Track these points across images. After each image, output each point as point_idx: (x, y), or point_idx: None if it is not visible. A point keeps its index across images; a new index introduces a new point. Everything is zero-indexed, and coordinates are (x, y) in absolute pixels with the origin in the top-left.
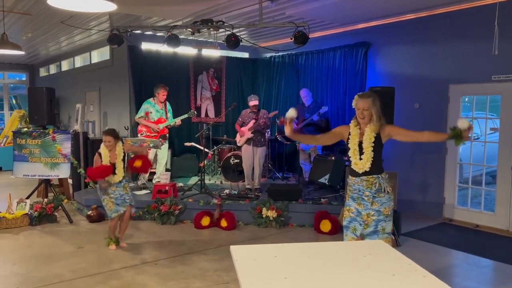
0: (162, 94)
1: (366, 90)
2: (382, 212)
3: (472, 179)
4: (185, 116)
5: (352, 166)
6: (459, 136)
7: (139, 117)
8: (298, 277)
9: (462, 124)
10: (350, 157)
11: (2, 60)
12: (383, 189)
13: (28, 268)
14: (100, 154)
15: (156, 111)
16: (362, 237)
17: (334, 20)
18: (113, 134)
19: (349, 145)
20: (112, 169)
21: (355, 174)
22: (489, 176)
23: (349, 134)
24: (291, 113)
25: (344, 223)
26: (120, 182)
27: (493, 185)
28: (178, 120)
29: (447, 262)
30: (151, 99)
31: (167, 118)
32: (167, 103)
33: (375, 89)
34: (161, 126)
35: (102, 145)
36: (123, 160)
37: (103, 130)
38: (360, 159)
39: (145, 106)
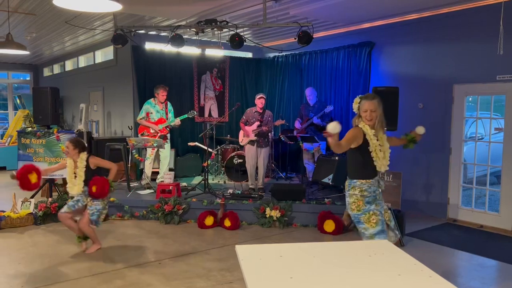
0: (161, 94)
1: (370, 90)
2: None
3: (476, 179)
4: (185, 116)
5: (379, 168)
6: (414, 140)
7: (140, 118)
8: (303, 277)
9: (420, 130)
10: (373, 158)
11: (6, 60)
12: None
13: (33, 267)
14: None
15: (157, 111)
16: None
17: (338, 20)
18: (74, 142)
19: (371, 148)
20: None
21: (373, 175)
22: (494, 176)
23: (364, 136)
24: (336, 128)
25: (378, 228)
26: (82, 193)
27: (497, 185)
28: (177, 121)
29: (451, 263)
30: (152, 99)
31: (167, 119)
32: (168, 103)
33: (379, 89)
34: (160, 126)
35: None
36: (87, 173)
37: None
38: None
39: (146, 107)
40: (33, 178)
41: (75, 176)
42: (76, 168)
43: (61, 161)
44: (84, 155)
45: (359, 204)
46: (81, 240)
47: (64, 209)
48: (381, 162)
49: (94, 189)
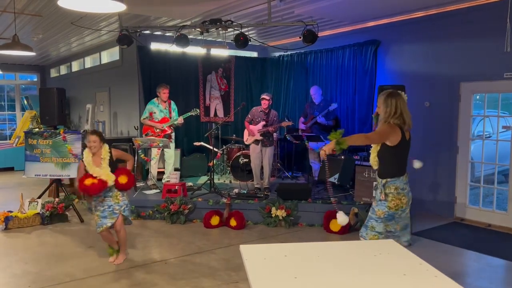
0: (163, 92)
1: (376, 88)
2: (376, 212)
3: (484, 178)
4: (188, 114)
5: (415, 165)
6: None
7: (144, 118)
8: (308, 277)
9: (416, 164)
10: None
11: (14, 61)
12: (381, 193)
13: (40, 267)
14: (83, 161)
15: (160, 111)
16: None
17: (343, 18)
18: (99, 134)
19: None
20: (106, 184)
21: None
22: (501, 175)
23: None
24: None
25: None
26: (109, 190)
27: (505, 184)
28: (180, 119)
29: (459, 262)
30: (155, 99)
31: (171, 118)
32: (172, 102)
33: (385, 87)
34: (164, 125)
35: (85, 150)
36: (110, 165)
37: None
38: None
39: (149, 107)
40: (88, 181)
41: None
42: (99, 161)
43: (68, 161)
44: (106, 147)
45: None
46: (114, 252)
47: (102, 221)
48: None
49: (122, 179)
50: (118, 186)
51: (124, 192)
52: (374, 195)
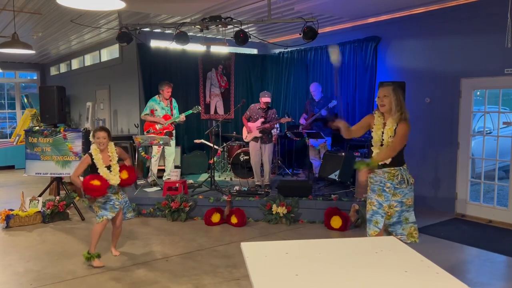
0: (166, 91)
1: (377, 85)
2: (405, 203)
3: (484, 174)
4: (190, 112)
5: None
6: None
7: (144, 115)
8: (309, 274)
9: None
10: (372, 147)
11: (13, 59)
12: (406, 181)
13: (42, 265)
14: (91, 156)
15: (162, 108)
16: (386, 227)
17: (343, 14)
18: (107, 130)
19: (372, 135)
20: (109, 184)
21: (378, 166)
22: (502, 171)
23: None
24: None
25: (367, 216)
26: (113, 187)
27: (506, 180)
28: (182, 116)
29: (459, 258)
30: (156, 96)
31: (172, 115)
32: (173, 100)
33: (386, 83)
34: (166, 122)
35: (93, 146)
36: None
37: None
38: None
39: (150, 104)
40: (95, 182)
41: (109, 167)
42: (108, 159)
43: (68, 159)
44: (112, 144)
45: (368, 189)
46: (89, 257)
47: (103, 212)
48: (376, 152)
49: (124, 174)
50: (121, 182)
51: (125, 189)
52: (385, 190)
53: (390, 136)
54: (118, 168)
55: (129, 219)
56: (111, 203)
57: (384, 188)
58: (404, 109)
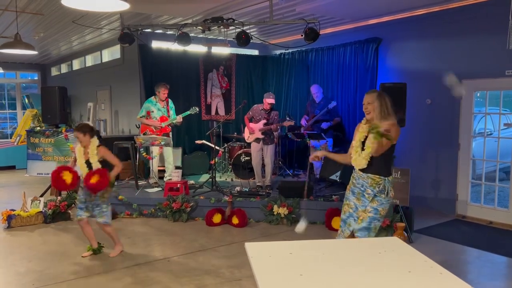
0: (163, 92)
1: (378, 86)
2: (380, 212)
3: (485, 175)
4: (187, 113)
5: (352, 161)
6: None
7: (140, 117)
8: (313, 274)
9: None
10: (352, 151)
11: (15, 59)
12: (386, 192)
13: (44, 265)
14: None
15: (158, 109)
16: (353, 232)
17: (345, 16)
18: (79, 128)
19: (354, 139)
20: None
21: (363, 169)
22: (503, 172)
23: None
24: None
25: (343, 216)
26: (85, 189)
27: (506, 181)
28: (179, 118)
29: (460, 259)
30: (153, 97)
31: (169, 116)
32: (170, 101)
33: (386, 85)
34: (163, 124)
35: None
36: (100, 162)
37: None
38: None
39: (146, 105)
40: (68, 178)
41: (89, 164)
42: (87, 154)
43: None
44: (95, 140)
45: (348, 189)
46: (90, 248)
47: (80, 214)
48: (354, 157)
49: (93, 179)
50: (86, 183)
51: (108, 201)
52: (364, 195)
53: (373, 142)
54: (85, 164)
55: (105, 224)
56: (89, 204)
57: (364, 194)
58: (391, 116)
